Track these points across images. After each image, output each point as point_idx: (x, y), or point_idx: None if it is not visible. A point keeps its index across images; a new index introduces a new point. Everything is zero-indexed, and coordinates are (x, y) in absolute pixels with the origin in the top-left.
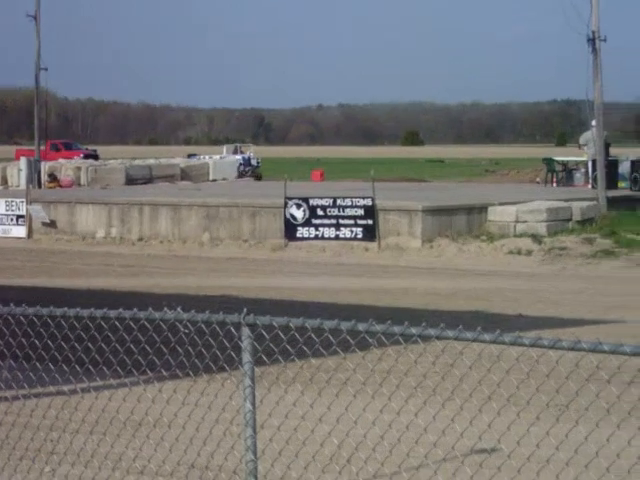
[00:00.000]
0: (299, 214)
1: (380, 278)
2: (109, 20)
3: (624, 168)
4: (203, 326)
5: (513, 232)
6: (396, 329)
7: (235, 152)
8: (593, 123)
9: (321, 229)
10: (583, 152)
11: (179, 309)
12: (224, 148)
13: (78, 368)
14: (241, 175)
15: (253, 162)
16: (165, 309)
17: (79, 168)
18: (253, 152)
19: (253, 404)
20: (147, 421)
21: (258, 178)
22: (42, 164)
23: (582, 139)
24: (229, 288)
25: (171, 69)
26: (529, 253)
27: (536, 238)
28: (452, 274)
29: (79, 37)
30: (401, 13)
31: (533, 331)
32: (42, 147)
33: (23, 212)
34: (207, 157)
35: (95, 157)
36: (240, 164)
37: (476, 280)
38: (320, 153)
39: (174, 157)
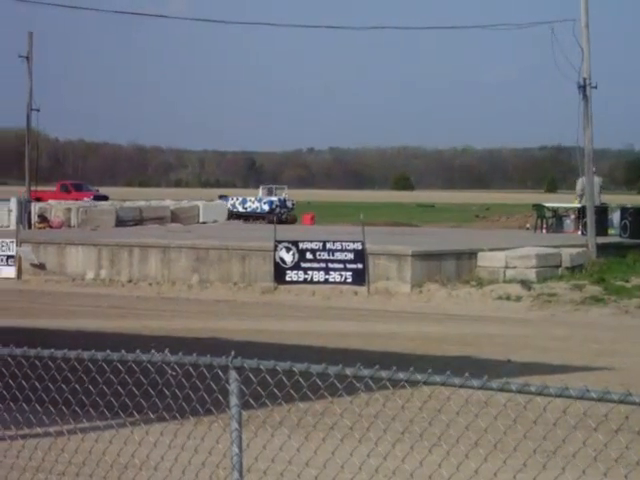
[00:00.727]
0: (288, 257)
1: (369, 322)
2: (101, 61)
3: (614, 215)
4: (191, 369)
5: (502, 278)
6: (384, 374)
7: (270, 194)
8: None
9: (310, 272)
10: (574, 199)
11: (167, 351)
12: (260, 190)
13: (65, 409)
14: (277, 217)
15: (288, 204)
16: (153, 351)
17: (69, 209)
18: (287, 194)
19: (240, 448)
20: (134, 463)
21: (293, 221)
22: (32, 205)
23: (579, 189)
24: (218, 331)
25: (162, 111)
26: (518, 299)
27: (525, 284)
28: (441, 319)
29: (71, 78)
30: (392, 57)
31: (521, 377)
32: (53, 188)
33: (13, 252)
34: (238, 199)
35: (105, 199)
36: (276, 205)
37: (465, 325)
38: (311, 196)
39: (164, 199)
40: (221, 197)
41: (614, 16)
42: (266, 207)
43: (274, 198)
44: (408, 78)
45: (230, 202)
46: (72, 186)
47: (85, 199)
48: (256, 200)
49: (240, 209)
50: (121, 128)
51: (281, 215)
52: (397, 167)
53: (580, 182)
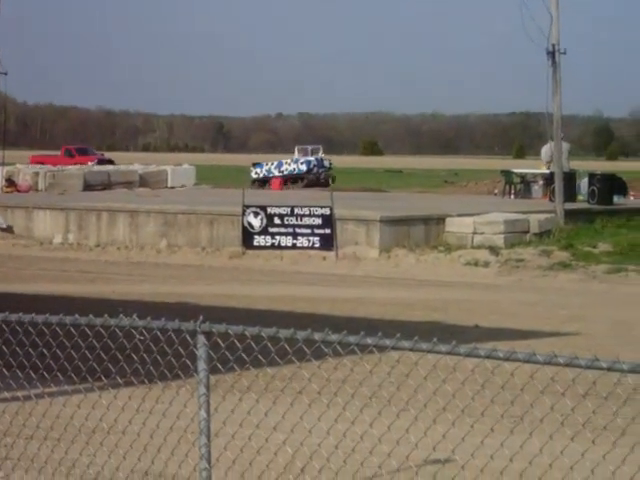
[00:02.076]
0: (256, 222)
1: (337, 287)
2: (69, 25)
3: (582, 181)
4: (159, 333)
5: (470, 243)
6: (352, 339)
7: (305, 154)
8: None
9: (278, 237)
10: (542, 165)
11: (135, 316)
12: (295, 150)
13: (32, 374)
14: (315, 178)
15: (326, 163)
16: (121, 316)
17: (37, 173)
18: (323, 154)
19: (208, 412)
20: (101, 428)
21: (329, 182)
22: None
23: (546, 155)
24: (186, 295)
25: (131, 75)
26: (486, 265)
27: (493, 250)
28: (409, 284)
29: (39, 41)
30: (362, 23)
31: (489, 342)
32: (57, 153)
33: None
34: (273, 163)
35: (111, 163)
36: (314, 165)
37: (433, 291)
38: None
39: (132, 163)
40: (255, 165)
41: None
42: (304, 167)
43: (311, 158)
44: (377, 44)
45: (265, 168)
46: (76, 150)
47: (89, 163)
48: (292, 162)
49: (276, 173)
50: (89, 92)
51: (319, 175)
52: (366, 133)
53: (547, 149)
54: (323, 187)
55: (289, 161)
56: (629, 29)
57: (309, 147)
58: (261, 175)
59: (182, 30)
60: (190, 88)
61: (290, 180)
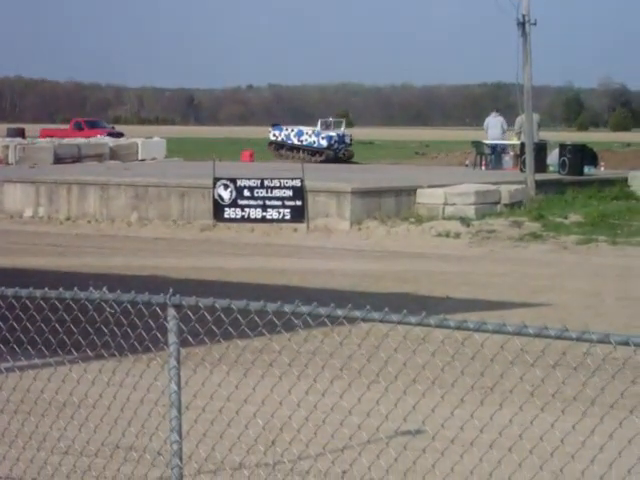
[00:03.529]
0: (227, 195)
1: (308, 259)
2: None
3: (553, 152)
4: (129, 306)
5: (441, 215)
6: (322, 310)
7: (327, 128)
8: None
9: (248, 210)
10: (513, 135)
11: (105, 289)
12: (318, 123)
13: (2, 347)
14: (334, 154)
15: (346, 139)
16: (91, 289)
17: (7, 146)
18: (345, 129)
19: (178, 385)
20: (72, 401)
21: (350, 157)
22: None
23: (517, 125)
24: (157, 268)
25: (101, 47)
26: (457, 236)
27: (464, 221)
28: (380, 256)
29: (7, 13)
30: None
31: (459, 314)
32: (66, 125)
33: None
34: (293, 130)
35: (120, 135)
36: (335, 141)
37: (404, 262)
38: (250, 133)
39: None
40: (274, 126)
41: None
42: (324, 142)
43: (333, 133)
44: (347, 15)
45: (284, 132)
46: (86, 123)
47: (99, 136)
48: (313, 134)
49: (295, 141)
50: (59, 64)
51: (338, 151)
52: (337, 104)
53: (518, 120)
54: (341, 163)
55: (310, 132)
56: (600, 0)
57: (332, 120)
58: (279, 139)
59: (152, 2)
60: (160, 60)
61: (308, 152)
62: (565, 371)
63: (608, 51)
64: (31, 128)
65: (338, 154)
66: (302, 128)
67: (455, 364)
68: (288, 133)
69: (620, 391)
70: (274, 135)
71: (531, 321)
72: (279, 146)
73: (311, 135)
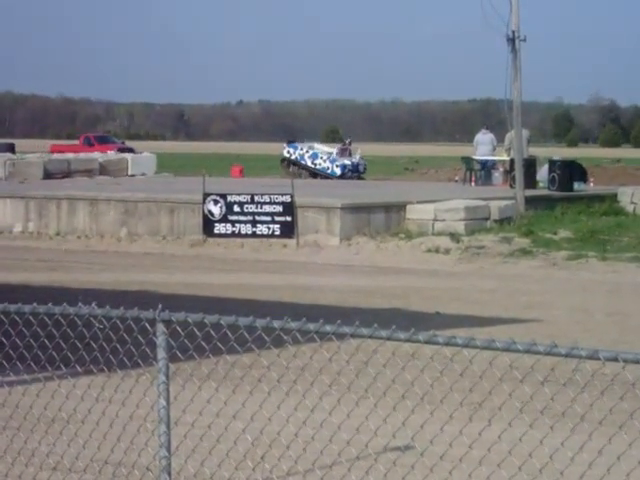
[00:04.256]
0: (217, 210)
1: (298, 275)
2: (29, 11)
3: (542, 168)
4: (118, 322)
5: (431, 230)
6: (311, 326)
7: (343, 154)
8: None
9: (238, 225)
10: (503, 151)
11: (94, 304)
12: (335, 149)
13: None
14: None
15: (360, 168)
16: (80, 304)
17: None
18: (361, 154)
19: (167, 400)
20: (60, 417)
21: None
22: None
23: (506, 141)
24: (146, 284)
25: (92, 63)
26: (447, 252)
27: (454, 237)
28: (370, 272)
29: None
30: (321, 9)
31: (449, 329)
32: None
33: None
34: (308, 151)
35: (131, 151)
36: (349, 170)
37: (394, 278)
38: (240, 149)
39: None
40: (289, 143)
41: None
42: (338, 171)
43: (347, 162)
44: (338, 30)
45: (299, 151)
46: (95, 139)
47: (109, 152)
48: (328, 159)
49: (309, 163)
50: (49, 80)
51: (350, 179)
52: (326, 120)
53: (508, 136)
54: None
55: (325, 157)
56: (589, 17)
57: (349, 147)
58: (292, 156)
59: (143, 18)
60: (151, 76)
61: (321, 177)
62: (554, 387)
63: (598, 67)
64: (22, 143)
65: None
66: (317, 150)
67: (444, 380)
68: (302, 153)
69: (609, 407)
70: (288, 152)
71: (520, 337)
72: (292, 164)
73: (325, 160)
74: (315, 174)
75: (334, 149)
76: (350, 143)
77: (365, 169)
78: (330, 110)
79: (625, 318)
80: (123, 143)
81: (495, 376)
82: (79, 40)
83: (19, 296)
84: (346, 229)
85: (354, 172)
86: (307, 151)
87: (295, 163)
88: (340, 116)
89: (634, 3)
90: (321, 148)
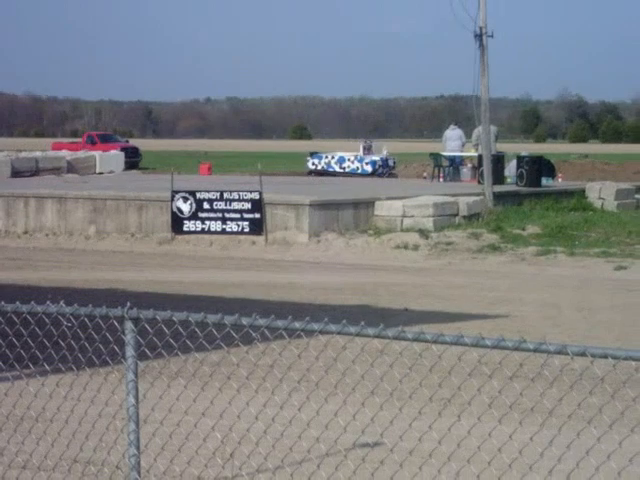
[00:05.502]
0: (186, 207)
1: (267, 272)
2: None
3: (511, 164)
4: (86, 320)
5: (400, 227)
6: (279, 323)
7: (369, 150)
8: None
9: (207, 223)
10: (470, 147)
11: (62, 302)
12: (361, 147)
13: None
14: (379, 177)
15: (390, 162)
16: (48, 302)
17: None
18: (387, 150)
19: (136, 398)
20: (29, 415)
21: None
22: None
23: (474, 137)
24: (115, 282)
25: (58, 60)
26: (416, 248)
27: (423, 233)
28: (339, 268)
29: None
30: (290, 6)
31: (417, 325)
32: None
33: None
34: (334, 157)
35: (134, 150)
36: (379, 166)
37: (363, 274)
38: (208, 146)
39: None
40: (312, 154)
41: None
42: (369, 168)
43: (376, 157)
44: (306, 27)
45: (324, 160)
46: (98, 137)
47: (112, 151)
48: (356, 160)
49: (337, 168)
50: (16, 78)
51: (383, 175)
52: (295, 116)
53: (476, 132)
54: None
55: (352, 158)
56: (556, 14)
57: (372, 142)
58: (319, 167)
59: (110, 15)
60: (118, 74)
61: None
62: (523, 382)
63: (565, 63)
64: None
65: (382, 177)
66: (343, 154)
67: (413, 376)
68: (329, 161)
69: (577, 402)
70: (313, 164)
71: (489, 333)
72: (319, 174)
73: (354, 161)
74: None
75: (356, 152)
76: (371, 142)
77: (395, 164)
78: (298, 107)
79: (594, 313)
80: (127, 142)
81: (464, 371)
82: (46, 38)
83: None
84: (315, 226)
85: (385, 167)
86: (332, 157)
87: (323, 172)
88: (308, 113)
89: (601, 0)
90: (344, 153)
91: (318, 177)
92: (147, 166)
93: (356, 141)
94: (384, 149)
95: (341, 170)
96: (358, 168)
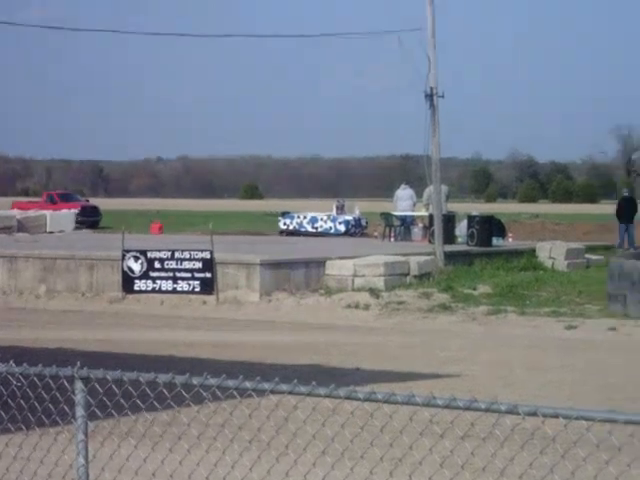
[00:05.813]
0: (137, 267)
1: (218, 331)
2: None
3: (461, 224)
4: (36, 379)
5: (351, 286)
6: (230, 383)
7: (342, 210)
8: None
9: (159, 282)
10: (421, 207)
11: (11, 362)
12: (334, 207)
13: None
14: (351, 237)
15: (362, 222)
16: None
17: None
18: (359, 209)
19: (86, 458)
20: None
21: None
22: None
23: (425, 197)
24: (65, 341)
25: (9, 120)
26: (367, 307)
27: (374, 292)
28: (290, 328)
29: None
30: (237, 65)
31: (369, 385)
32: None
33: None
34: (306, 217)
35: (94, 209)
36: (352, 226)
37: (314, 334)
38: (160, 205)
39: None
40: (284, 214)
41: (461, 25)
42: (342, 228)
43: (349, 217)
44: (254, 86)
45: (296, 220)
46: (59, 196)
47: (63, 210)
48: (329, 219)
49: (309, 228)
50: None
51: (355, 235)
52: (247, 176)
53: (427, 191)
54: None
55: (325, 218)
56: (506, 73)
57: (345, 202)
58: (291, 227)
59: (58, 75)
60: (68, 133)
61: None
62: (474, 442)
63: (516, 123)
64: None
65: (354, 237)
66: (315, 214)
67: (364, 436)
68: (300, 221)
69: (529, 462)
70: (284, 224)
71: (440, 392)
72: (291, 234)
73: (326, 221)
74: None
75: (328, 212)
76: (344, 202)
77: (367, 224)
78: (250, 166)
79: (544, 372)
80: (87, 201)
81: (415, 431)
82: None
83: None
84: (266, 285)
85: (357, 227)
86: (304, 217)
87: (295, 232)
88: (260, 172)
89: (552, 61)
90: (316, 213)
91: (283, 237)
92: (106, 225)
93: (308, 200)
94: (356, 208)
95: (313, 230)
96: (331, 228)
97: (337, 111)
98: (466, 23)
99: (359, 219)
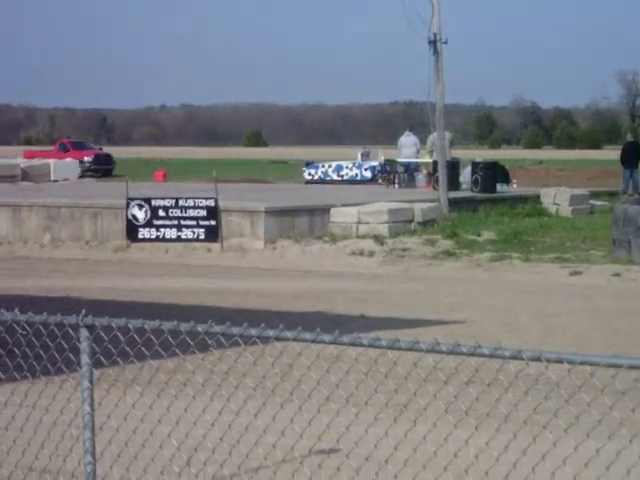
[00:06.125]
0: (141, 215)
1: (223, 279)
2: None
3: (465, 170)
4: (41, 327)
5: (355, 233)
6: (235, 330)
7: (367, 157)
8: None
9: (163, 230)
10: (425, 154)
11: (16, 310)
12: (359, 155)
13: None
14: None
15: (387, 168)
16: (2, 310)
17: None
18: (383, 157)
19: (91, 406)
20: None
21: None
22: None
23: (429, 143)
24: (70, 289)
25: (12, 68)
26: (371, 254)
27: (378, 239)
28: (295, 275)
29: None
30: (243, 11)
31: (374, 332)
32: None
33: None
34: (331, 166)
35: (108, 157)
36: (378, 171)
37: (319, 281)
38: (163, 154)
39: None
40: (308, 164)
41: None
42: (368, 174)
43: (375, 163)
44: (259, 33)
45: (321, 169)
46: (71, 144)
47: (85, 158)
48: (354, 166)
49: (335, 177)
50: None
51: (384, 180)
52: (250, 123)
53: (431, 138)
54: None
55: (350, 165)
56: (510, 19)
57: (369, 149)
58: (316, 177)
59: (62, 21)
60: (72, 81)
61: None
62: (478, 388)
63: (519, 69)
64: None
65: (377, 182)
66: (340, 163)
67: (369, 382)
68: (325, 170)
69: (533, 407)
70: (309, 174)
71: (445, 338)
72: (317, 184)
73: (352, 168)
74: None
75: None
76: (369, 149)
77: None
78: (253, 114)
79: (549, 318)
80: (101, 149)
81: (420, 377)
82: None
83: None
84: (270, 233)
85: (383, 173)
86: (330, 166)
87: (321, 182)
88: (263, 120)
89: (554, 5)
90: (343, 162)
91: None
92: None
93: (312, 147)
94: (381, 155)
95: (339, 178)
96: (357, 175)
97: (340, 57)
98: None
99: (384, 165)
